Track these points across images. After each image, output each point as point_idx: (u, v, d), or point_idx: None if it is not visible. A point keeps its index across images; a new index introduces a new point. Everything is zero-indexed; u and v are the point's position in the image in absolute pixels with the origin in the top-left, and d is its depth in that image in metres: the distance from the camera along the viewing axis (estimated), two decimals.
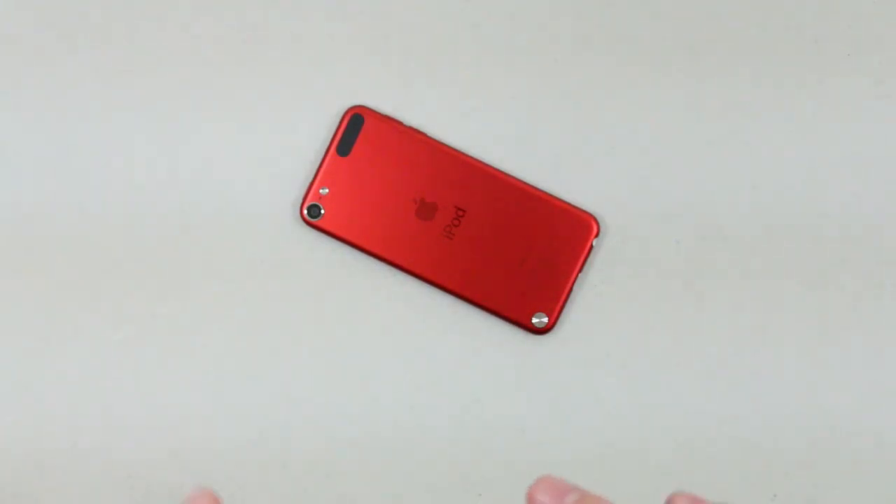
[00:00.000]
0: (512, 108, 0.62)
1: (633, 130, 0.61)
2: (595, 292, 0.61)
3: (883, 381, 0.61)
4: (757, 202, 0.61)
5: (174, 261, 0.61)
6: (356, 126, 0.60)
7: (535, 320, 0.60)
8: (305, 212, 0.61)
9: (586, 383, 0.61)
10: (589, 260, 0.61)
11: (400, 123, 0.61)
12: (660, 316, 0.61)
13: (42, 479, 0.61)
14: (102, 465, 0.61)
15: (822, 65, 0.62)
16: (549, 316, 0.60)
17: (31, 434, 0.61)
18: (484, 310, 0.61)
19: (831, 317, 0.61)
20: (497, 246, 0.60)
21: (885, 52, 0.62)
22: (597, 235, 0.60)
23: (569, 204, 0.61)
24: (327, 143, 0.61)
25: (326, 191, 0.60)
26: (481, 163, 0.61)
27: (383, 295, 0.61)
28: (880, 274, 0.61)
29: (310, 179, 0.61)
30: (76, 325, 0.61)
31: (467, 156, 0.61)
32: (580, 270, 0.60)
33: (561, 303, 0.60)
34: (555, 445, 0.61)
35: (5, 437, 0.61)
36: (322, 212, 0.61)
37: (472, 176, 0.60)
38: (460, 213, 0.60)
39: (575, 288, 0.61)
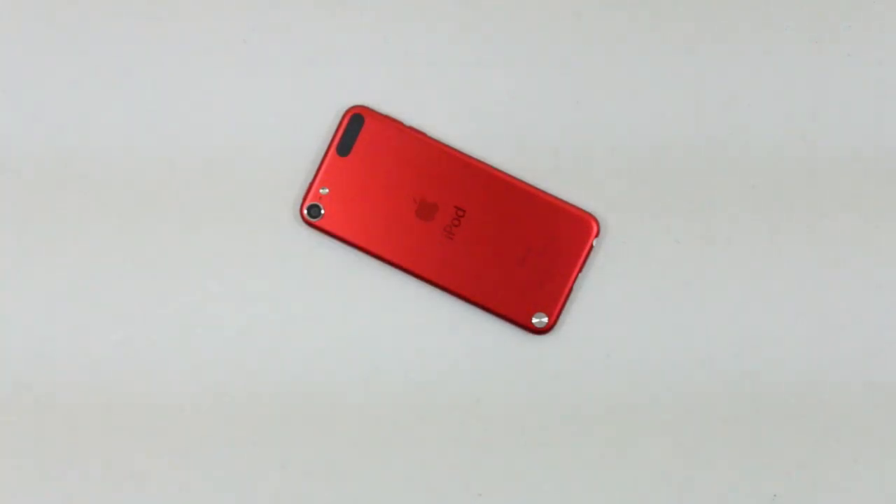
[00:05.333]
0: (512, 108, 0.62)
1: (634, 130, 0.61)
2: (595, 292, 0.61)
3: (885, 381, 0.61)
4: (757, 201, 0.61)
5: (174, 260, 0.61)
6: (356, 126, 0.60)
7: (535, 320, 0.60)
8: (305, 212, 0.61)
9: (586, 383, 0.61)
10: (589, 260, 0.61)
11: (400, 123, 0.61)
12: (660, 316, 0.61)
13: (43, 479, 0.61)
14: (102, 464, 0.61)
15: (822, 65, 0.62)
16: (549, 316, 0.60)
17: (31, 429, 0.61)
18: (484, 310, 0.61)
19: (833, 316, 0.61)
20: (497, 246, 0.60)
21: (885, 52, 0.62)
22: (597, 235, 0.60)
23: (569, 204, 0.61)
24: (327, 143, 0.61)
25: (326, 191, 0.60)
26: (481, 163, 0.61)
27: (383, 295, 0.61)
28: (877, 275, 0.61)
29: (310, 179, 0.61)
30: (75, 323, 0.61)
31: (467, 156, 0.61)
32: (580, 270, 0.60)
33: (561, 303, 0.60)
34: (555, 445, 0.61)
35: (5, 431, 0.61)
36: (322, 212, 0.61)
37: (472, 176, 0.60)
38: (460, 213, 0.60)
39: (575, 288, 0.61)
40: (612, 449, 0.61)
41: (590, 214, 0.60)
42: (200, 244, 0.61)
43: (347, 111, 0.61)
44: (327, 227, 0.61)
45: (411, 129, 0.61)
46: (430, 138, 0.61)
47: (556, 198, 0.61)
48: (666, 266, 0.61)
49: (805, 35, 0.62)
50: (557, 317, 0.60)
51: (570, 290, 0.60)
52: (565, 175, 0.61)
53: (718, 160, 0.61)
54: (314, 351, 0.61)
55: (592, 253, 0.61)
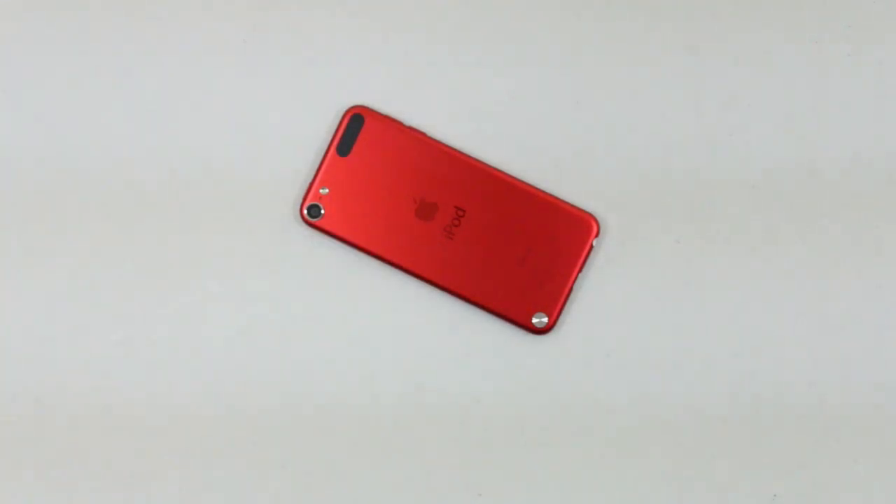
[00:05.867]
0: (512, 108, 0.62)
1: (634, 130, 0.62)
2: (595, 292, 0.61)
3: (885, 380, 0.61)
4: (757, 201, 0.61)
5: (174, 260, 0.61)
6: (356, 126, 0.60)
7: (535, 320, 0.60)
8: (305, 212, 0.61)
9: (586, 383, 0.61)
10: (589, 260, 0.61)
11: (400, 123, 0.61)
12: (660, 316, 0.61)
13: (41, 479, 0.61)
14: (102, 464, 0.61)
15: (822, 65, 0.62)
16: (549, 316, 0.60)
17: (31, 429, 0.61)
18: (484, 310, 0.61)
19: (833, 316, 0.61)
20: (497, 246, 0.60)
21: (885, 52, 0.62)
22: (597, 235, 0.60)
23: (569, 204, 0.61)
24: (327, 143, 0.61)
25: (326, 191, 0.60)
26: (481, 163, 0.61)
27: (383, 295, 0.61)
28: (878, 275, 0.61)
29: (310, 179, 0.61)
30: (75, 323, 0.61)
31: (467, 156, 0.61)
32: (580, 270, 0.60)
33: (561, 303, 0.60)
34: (555, 445, 0.61)
35: (5, 429, 0.61)
36: (322, 212, 0.61)
37: (472, 176, 0.60)
38: (460, 213, 0.60)
39: (575, 288, 0.61)
40: (612, 449, 0.61)
41: (590, 214, 0.60)
42: (200, 244, 0.61)
43: (347, 111, 0.61)
44: (327, 227, 0.61)
45: (411, 129, 0.61)
46: (430, 138, 0.61)
47: (556, 198, 0.61)
48: (666, 266, 0.61)
49: (805, 35, 0.62)
50: (557, 317, 0.60)
51: (570, 290, 0.60)
52: (565, 175, 0.61)
53: (718, 160, 0.61)
54: (314, 351, 0.61)
55: (592, 253, 0.61)
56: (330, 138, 0.61)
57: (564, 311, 0.61)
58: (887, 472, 0.61)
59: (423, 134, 0.61)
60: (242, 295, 0.61)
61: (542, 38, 0.62)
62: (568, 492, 0.61)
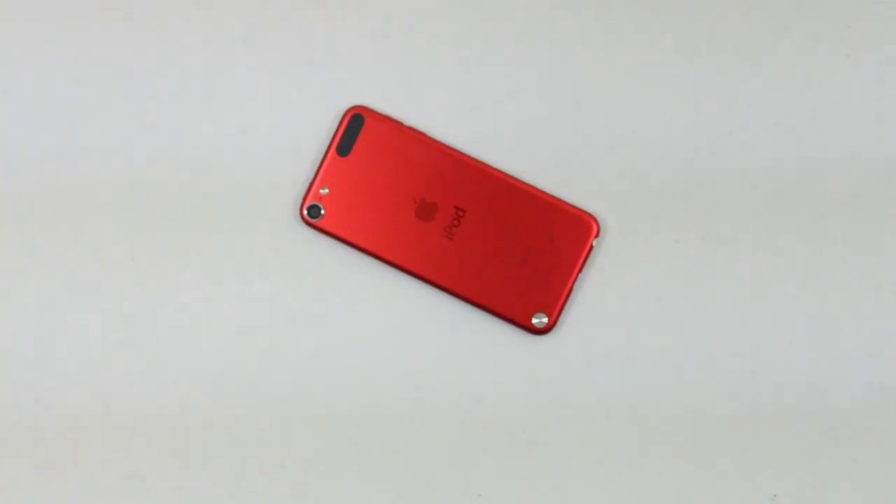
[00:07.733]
0: (512, 107, 0.62)
1: (634, 130, 0.62)
2: (595, 292, 0.61)
3: (885, 380, 0.61)
4: (757, 201, 0.61)
5: (174, 260, 0.61)
6: (356, 126, 0.60)
7: (535, 320, 0.60)
8: (305, 212, 0.61)
9: (586, 383, 0.61)
10: (589, 260, 0.61)
11: (400, 123, 0.61)
12: (660, 316, 0.61)
13: (40, 476, 0.61)
14: (102, 465, 0.61)
15: (822, 65, 0.62)
16: (549, 316, 0.60)
17: (31, 429, 0.61)
18: (484, 310, 0.61)
19: (833, 316, 0.61)
20: (497, 246, 0.60)
21: (884, 53, 0.62)
22: (597, 235, 0.60)
23: (569, 204, 0.61)
24: (327, 143, 0.61)
25: (326, 191, 0.60)
26: (481, 163, 0.61)
27: (383, 295, 0.61)
28: (878, 275, 0.61)
29: (310, 179, 0.61)
30: (75, 323, 0.61)
31: (467, 156, 0.61)
32: (580, 270, 0.60)
33: (561, 303, 0.60)
34: (555, 445, 0.61)
35: (6, 428, 0.61)
36: (322, 212, 0.61)
37: (472, 176, 0.60)
38: (460, 213, 0.60)
39: (575, 288, 0.61)
40: (612, 449, 0.61)
41: (590, 214, 0.61)
42: (200, 244, 0.61)
43: (347, 111, 0.61)
44: (327, 228, 0.61)
45: (411, 129, 0.61)
46: (430, 138, 0.61)
47: (556, 198, 0.61)
48: (666, 266, 0.61)
49: (805, 35, 0.62)
50: (557, 317, 0.60)
51: (570, 290, 0.60)
52: (565, 175, 0.61)
53: (718, 160, 0.61)
54: (314, 351, 0.61)
55: (592, 253, 0.61)
56: (330, 138, 0.61)
57: (564, 311, 0.61)
58: (887, 472, 0.61)
59: (423, 134, 0.61)
60: (242, 295, 0.61)
61: (543, 38, 0.62)
62: (568, 492, 0.61)
